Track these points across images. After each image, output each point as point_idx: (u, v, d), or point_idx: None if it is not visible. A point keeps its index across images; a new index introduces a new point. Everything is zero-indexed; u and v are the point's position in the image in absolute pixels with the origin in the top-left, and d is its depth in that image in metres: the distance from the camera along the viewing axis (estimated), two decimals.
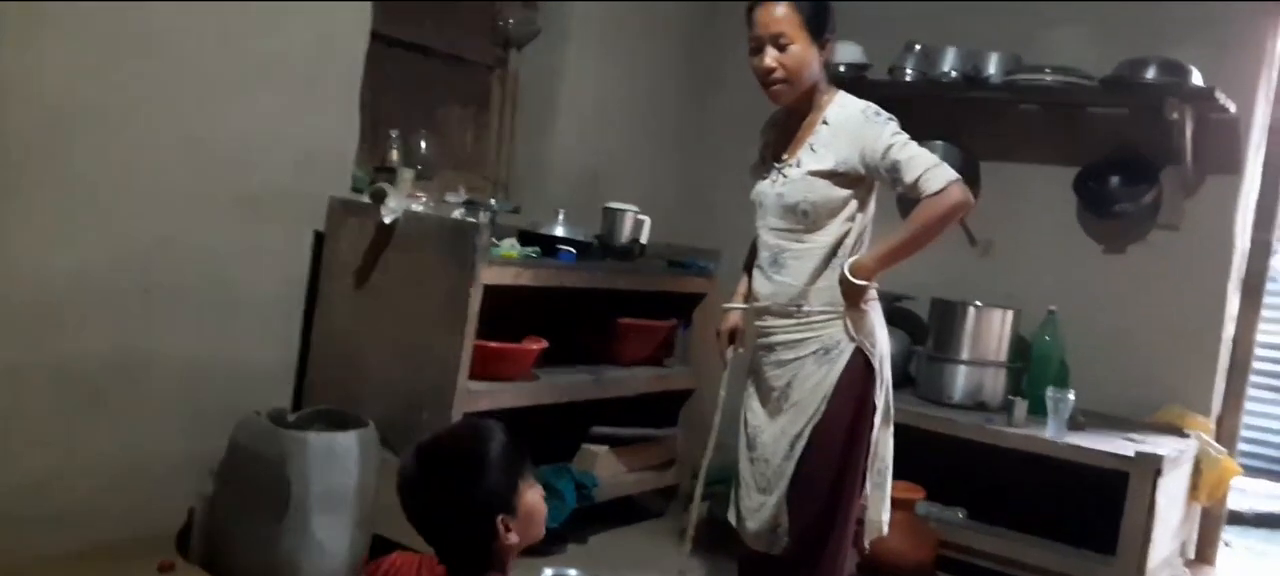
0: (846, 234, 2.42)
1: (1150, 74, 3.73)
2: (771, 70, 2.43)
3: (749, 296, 2.63)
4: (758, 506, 2.49)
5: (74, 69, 2.66)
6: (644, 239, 3.93)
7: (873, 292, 2.45)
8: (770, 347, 2.50)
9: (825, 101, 2.48)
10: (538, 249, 3.33)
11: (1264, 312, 4.13)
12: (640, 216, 3.91)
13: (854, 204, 2.43)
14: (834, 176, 2.40)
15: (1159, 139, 3.85)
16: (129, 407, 2.90)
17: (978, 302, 3.93)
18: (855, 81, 4.10)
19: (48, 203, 2.67)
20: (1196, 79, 3.69)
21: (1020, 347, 3.99)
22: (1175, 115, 3.65)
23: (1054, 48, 4.10)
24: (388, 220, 2.99)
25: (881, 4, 4.35)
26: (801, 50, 2.41)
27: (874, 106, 2.42)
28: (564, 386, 3.41)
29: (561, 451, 3.66)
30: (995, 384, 3.89)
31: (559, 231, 3.56)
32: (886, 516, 2.54)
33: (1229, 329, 3.98)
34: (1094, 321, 4.00)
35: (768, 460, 2.48)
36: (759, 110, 4.69)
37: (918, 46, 4.24)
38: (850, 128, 2.40)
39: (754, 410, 2.56)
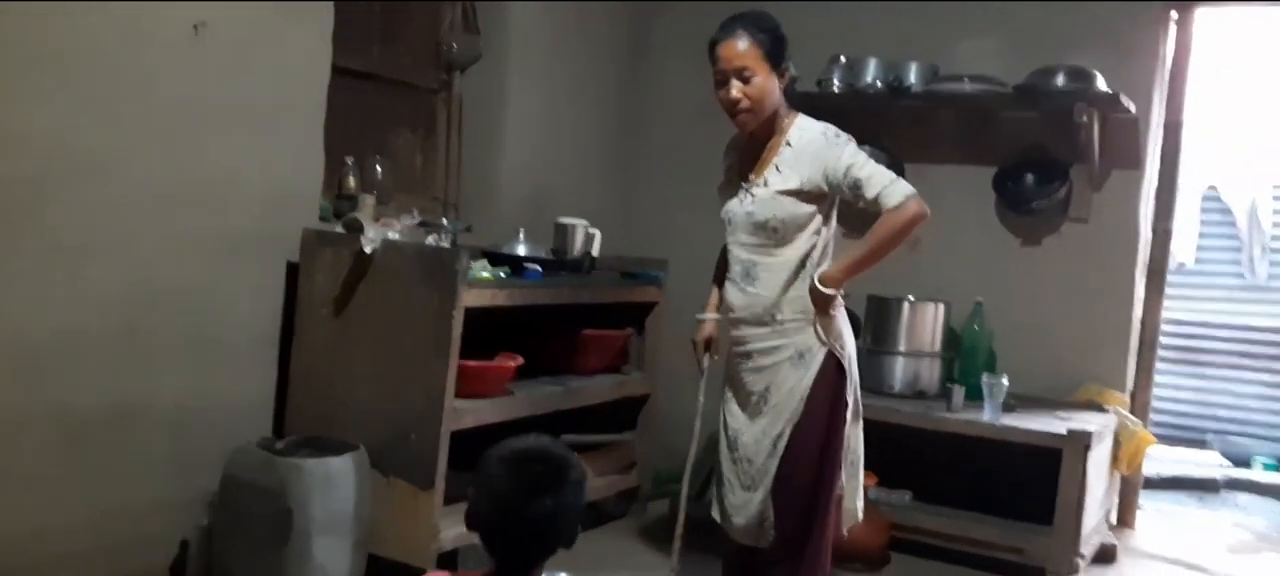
0: (813, 247, 2.63)
1: (1059, 81, 4.04)
2: (737, 101, 2.62)
3: (720, 306, 2.82)
4: (743, 503, 2.67)
5: (55, 122, 2.71)
6: (595, 252, 4.09)
7: (840, 299, 2.66)
8: (747, 354, 2.68)
9: (787, 124, 2.68)
10: (508, 268, 3.46)
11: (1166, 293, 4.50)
12: (591, 230, 4.08)
13: (819, 219, 2.63)
14: (800, 194, 2.60)
15: (1067, 139, 4.16)
16: (117, 451, 2.94)
17: (911, 297, 4.20)
18: (788, 93, 4.33)
19: (33, 254, 2.70)
20: (1101, 84, 4.01)
21: (950, 338, 4.27)
22: (1084, 118, 3.97)
23: (967, 56, 4.40)
24: (368, 250, 3.09)
25: (805, 17, 4.58)
26: (763, 81, 2.61)
27: (833, 128, 2.63)
28: (538, 399, 3.56)
29: None
30: (931, 372, 4.16)
31: (521, 249, 3.70)
32: (861, 504, 2.76)
33: (1137, 310, 4.33)
34: (1015, 310, 4.30)
35: (751, 460, 2.66)
36: (690, 125, 4.95)
37: (842, 59, 4.49)
38: (813, 149, 2.60)
39: (734, 414, 2.74)
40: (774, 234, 2.61)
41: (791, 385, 2.61)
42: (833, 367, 2.62)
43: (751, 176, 2.69)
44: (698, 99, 4.85)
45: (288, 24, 3.29)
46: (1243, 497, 5.64)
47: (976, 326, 4.24)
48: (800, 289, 2.61)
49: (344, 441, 3.02)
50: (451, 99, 4.40)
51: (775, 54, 2.62)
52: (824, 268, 2.62)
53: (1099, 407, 4.09)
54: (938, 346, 4.19)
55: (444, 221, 4.01)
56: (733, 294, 2.71)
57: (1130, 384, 4.33)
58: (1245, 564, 4.37)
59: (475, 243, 3.82)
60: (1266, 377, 6.73)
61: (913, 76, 4.36)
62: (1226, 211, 6.88)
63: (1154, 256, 4.39)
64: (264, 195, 3.26)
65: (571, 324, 3.97)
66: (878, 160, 4.10)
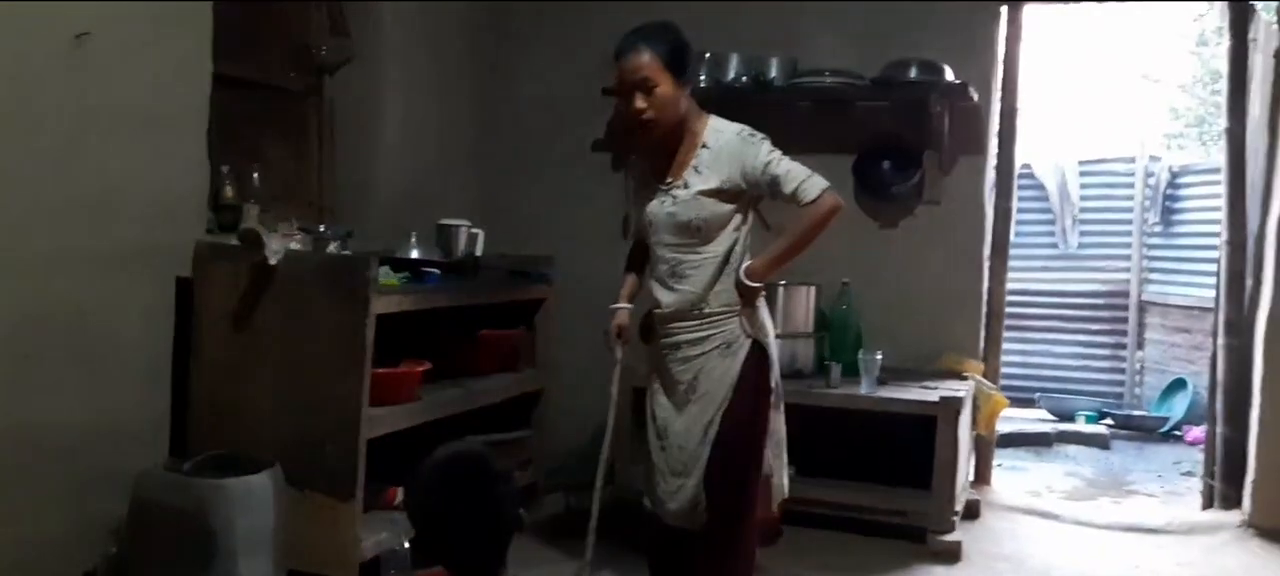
0: (735, 242, 2.75)
1: (913, 73, 4.32)
2: (641, 111, 2.70)
3: (633, 296, 2.92)
4: (676, 488, 2.77)
5: None
6: (479, 251, 4.11)
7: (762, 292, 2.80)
8: (675, 346, 2.78)
9: (699, 127, 2.78)
10: (408, 273, 3.44)
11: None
12: (474, 230, 4.09)
13: (738, 216, 2.76)
14: (720, 194, 2.71)
15: (918, 127, 4.46)
16: (9, 483, 2.78)
17: (784, 282, 4.40)
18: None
19: None
20: (950, 75, 4.32)
21: (820, 319, 4.49)
22: (938, 108, 4.26)
23: (822, 51, 4.64)
24: (273, 261, 3.02)
25: (669, 15, 4.71)
26: (666, 90, 2.69)
27: (748, 128, 2.76)
28: (444, 402, 3.56)
29: None
30: (806, 352, 4.38)
31: (414, 254, 3.68)
32: (787, 481, 2.91)
33: (986, 283, 4.68)
34: (878, 289, 4.57)
35: (682, 447, 2.76)
36: (554, 121, 5.03)
37: (707, 55, 4.64)
38: (731, 149, 2.72)
39: (662, 404, 2.83)
40: (697, 233, 2.72)
41: (720, 374, 2.72)
42: (757, 356, 2.75)
43: (670, 179, 2.77)
44: (557, 95, 4.98)
45: (167, 30, 3.17)
46: (1071, 449, 6.20)
47: (845, 306, 4.49)
48: (726, 283, 2.73)
49: (254, 458, 2.95)
50: (322, 103, 4.31)
51: (677, 63, 2.70)
52: (748, 262, 2.74)
53: (958, 375, 4.41)
54: (811, 327, 4.42)
55: (323, 228, 3.95)
56: (660, 292, 2.80)
57: (981, 351, 4.68)
58: (1086, 508, 4.80)
59: (356, 248, 3.76)
60: (1081, 338, 7.38)
61: (774, 70, 4.57)
62: (1040, 187, 7.49)
63: (997, 233, 4.76)
64: (150, 207, 3.13)
65: (462, 324, 3.97)
66: None
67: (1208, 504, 4.56)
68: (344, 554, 3.04)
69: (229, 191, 3.70)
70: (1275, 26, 4.33)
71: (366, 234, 4.03)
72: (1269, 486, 4.23)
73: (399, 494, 3.46)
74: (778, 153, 2.73)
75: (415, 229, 3.98)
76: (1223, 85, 6.36)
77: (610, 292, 4.77)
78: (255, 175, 3.85)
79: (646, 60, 2.67)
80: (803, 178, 2.68)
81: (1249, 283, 4.40)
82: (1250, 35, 4.47)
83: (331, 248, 3.28)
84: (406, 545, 3.26)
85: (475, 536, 1.98)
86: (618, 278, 4.85)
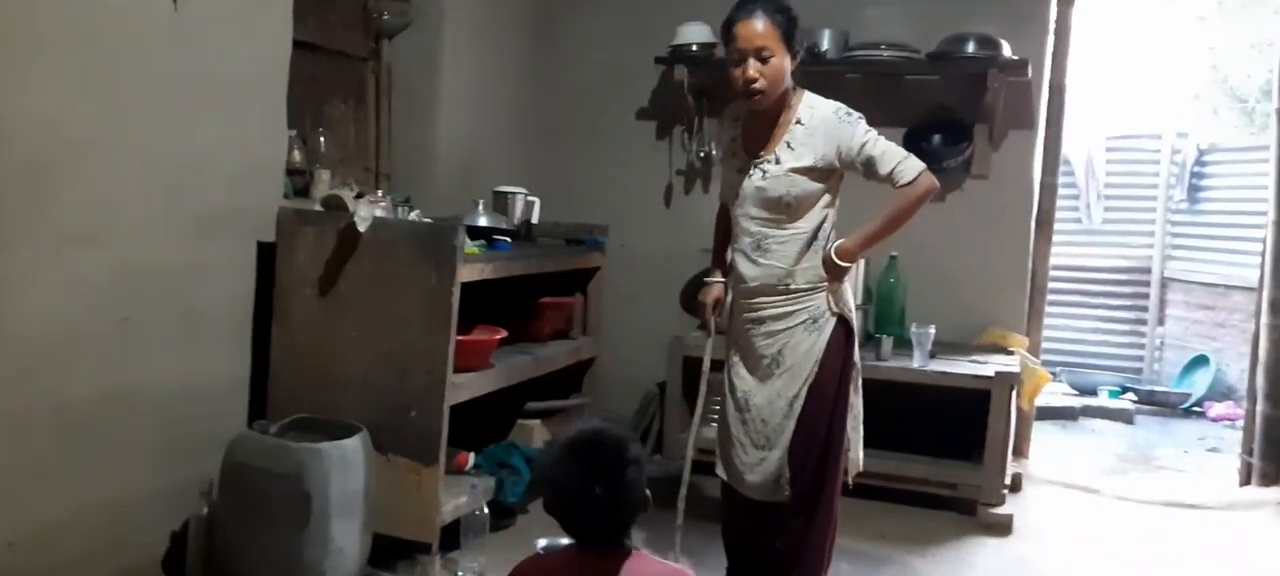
0: (824, 220, 2.78)
1: (970, 48, 4.34)
2: (753, 80, 2.70)
3: (727, 272, 2.94)
4: (758, 461, 2.83)
5: (49, 108, 2.56)
6: (534, 219, 4.15)
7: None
8: (759, 321, 2.82)
9: (795, 101, 2.80)
10: (483, 241, 3.48)
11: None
12: (530, 198, 4.13)
13: (829, 194, 2.79)
14: (813, 172, 2.73)
15: (969, 101, 4.48)
16: (111, 443, 2.82)
17: None
18: (707, 60, 4.52)
19: (29, 243, 2.55)
20: (1007, 51, 4.34)
21: (866, 292, 4.54)
22: (995, 83, 4.29)
23: (874, 23, 4.66)
24: (362, 228, 3.05)
25: None
26: (779, 60, 2.70)
27: (844, 107, 2.78)
28: (513, 369, 3.60)
29: (496, 429, 3.86)
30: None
31: (482, 221, 3.71)
32: (861, 453, 2.97)
33: (1030, 258, 4.74)
34: (923, 262, 4.61)
35: (764, 420, 2.81)
36: (603, 89, 5.02)
37: None
38: (826, 128, 2.74)
39: (742, 376, 2.87)
40: (788, 209, 2.75)
41: (806, 348, 2.77)
42: (842, 332, 2.79)
43: (762, 153, 2.79)
44: (609, 64, 4.99)
45: None
46: (1095, 423, 6.28)
47: (892, 279, 4.54)
48: (813, 260, 2.77)
49: (339, 422, 2.99)
50: (381, 67, 4.33)
51: (790, 34, 2.72)
52: (840, 241, 2.78)
53: (1004, 350, 4.47)
54: (859, 299, 4.46)
55: (381, 193, 3.97)
56: (744, 265, 2.83)
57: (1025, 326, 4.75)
58: (1123, 482, 4.89)
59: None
60: (1101, 313, 7.45)
61: (826, 43, 4.59)
62: (1066, 162, 7.50)
63: (1043, 208, 4.81)
64: (235, 173, 3.15)
65: (516, 291, 4.00)
66: None
67: (1245, 481, 4.65)
68: (426, 518, 3.10)
69: (297, 155, 3.72)
70: None
71: (423, 200, 4.07)
72: None
73: (471, 458, 3.51)
74: (873, 132, 2.75)
75: (469, 195, 4.02)
76: (1225, 60, 6.44)
77: (657, 260, 4.83)
78: (322, 139, 3.88)
79: (764, 28, 2.67)
80: (899, 159, 2.71)
81: None
82: None
83: (412, 215, 3.30)
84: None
85: (603, 513, 2.00)
86: (663, 245, 4.90)
